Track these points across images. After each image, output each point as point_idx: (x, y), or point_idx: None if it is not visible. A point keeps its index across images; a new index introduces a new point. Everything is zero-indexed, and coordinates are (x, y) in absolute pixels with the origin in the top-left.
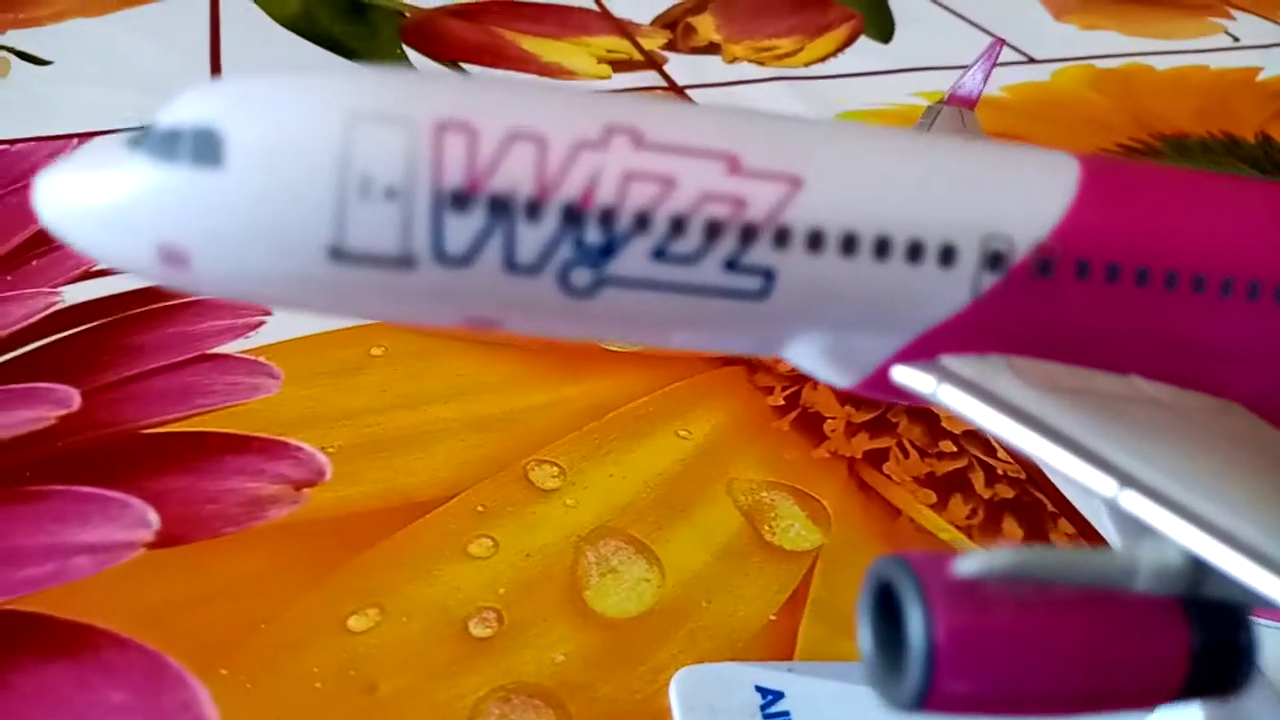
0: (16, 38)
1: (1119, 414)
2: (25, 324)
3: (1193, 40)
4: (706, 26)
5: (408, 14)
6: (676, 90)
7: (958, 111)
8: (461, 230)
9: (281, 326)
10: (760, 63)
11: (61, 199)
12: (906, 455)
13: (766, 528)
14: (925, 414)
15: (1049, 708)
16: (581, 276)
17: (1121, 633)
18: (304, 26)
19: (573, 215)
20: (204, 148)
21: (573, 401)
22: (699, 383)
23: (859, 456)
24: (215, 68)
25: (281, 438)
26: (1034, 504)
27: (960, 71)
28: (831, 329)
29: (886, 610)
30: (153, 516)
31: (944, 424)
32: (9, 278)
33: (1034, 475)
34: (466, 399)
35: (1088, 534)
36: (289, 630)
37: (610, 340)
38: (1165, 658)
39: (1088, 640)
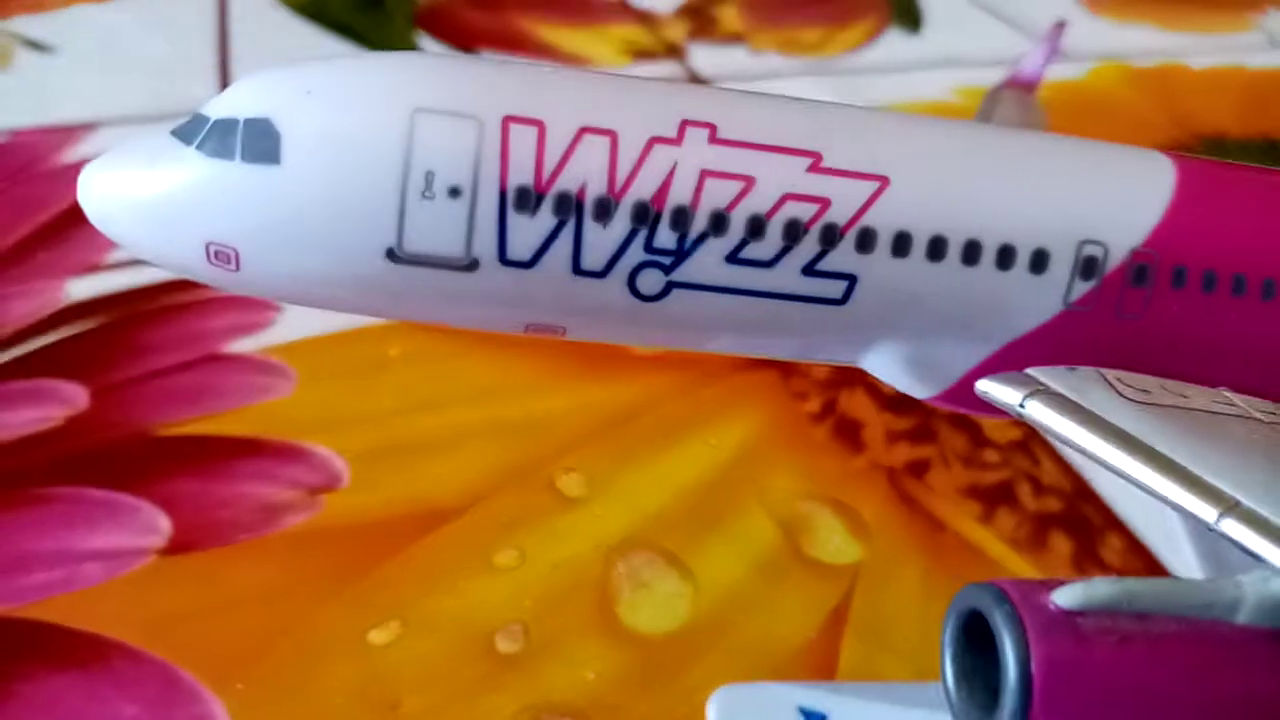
0: (21, 24)
1: (1217, 432)
2: (31, 320)
3: (1229, 35)
4: (730, 16)
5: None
6: (701, 84)
7: (1020, 96)
8: (527, 231)
9: (295, 325)
10: (787, 52)
11: (106, 193)
12: (949, 465)
13: (804, 540)
14: (967, 422)
15: None
16: (651, 280)
17: (1225, 668)
18: (315, 12)
19: (644, 215)
20: (258, 142)
21: (599, 405)
22: (731, 386)
23: (900, 466)
24: (223, 55)
25: (296, 441)
26: (1082, 518)
27: (994, 66)
28: (914, 337)
29: (971, 640)
30: (164, 522)
31: (987, 433)
32: (13, 272)
33: (1080, 489)
34: (489, 401)
35: (1137, 549)
36: (307, 643)
37: (676, 346)
38: (1271, 693)
39: (1190, 676)
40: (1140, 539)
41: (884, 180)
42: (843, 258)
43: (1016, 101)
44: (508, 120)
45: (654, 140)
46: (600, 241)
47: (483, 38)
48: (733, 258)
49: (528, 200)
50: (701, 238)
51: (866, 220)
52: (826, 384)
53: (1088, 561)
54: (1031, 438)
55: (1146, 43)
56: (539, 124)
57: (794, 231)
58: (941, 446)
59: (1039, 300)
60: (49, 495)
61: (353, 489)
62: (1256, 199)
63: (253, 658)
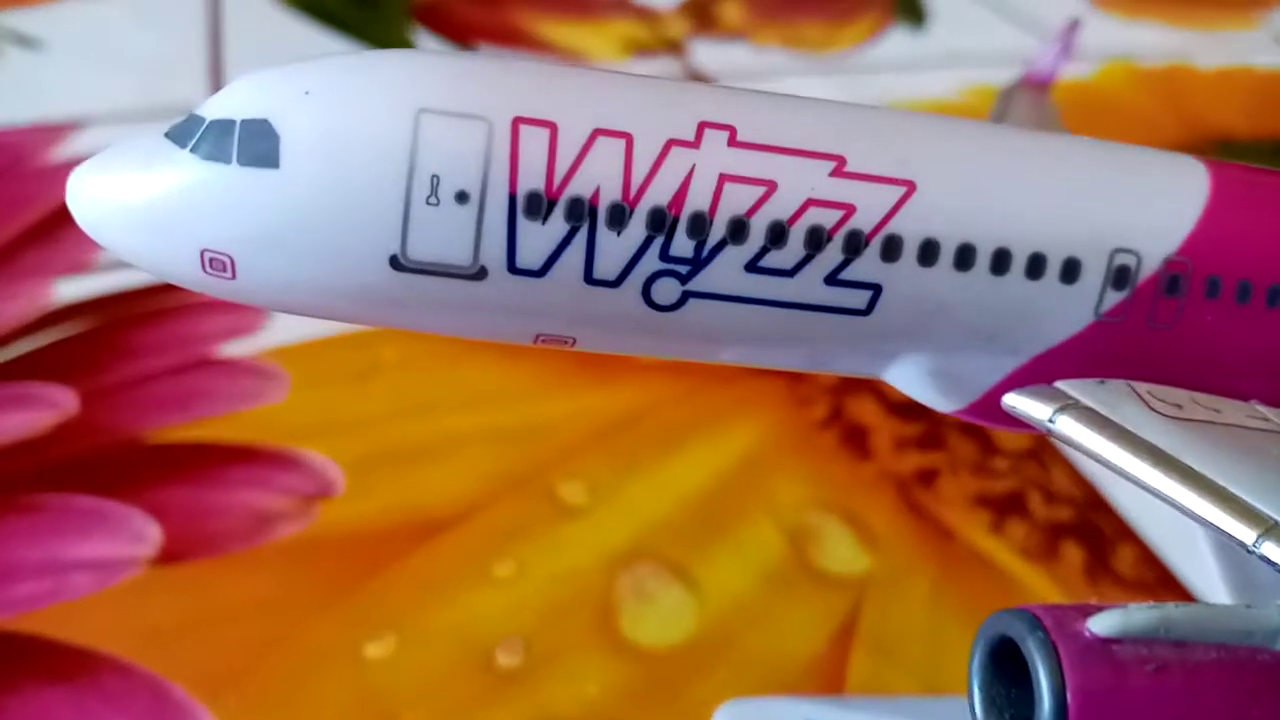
0: (8, 18)
1: (1251, 449)
2: (18, 323)
3: (1236, 34)
4: (731, 12)
5: None
6: (702, 81)
7: (1034, 96)
8: (538, 238)
9: (289, 328)
10: (790, 48)
11: (96, 198)
12: (958, 474)
13: (812, 550)
14: (976, 429)
15: None
16: (667, 290)
17: (1265, 696)
18: (309, 6)
19: (660, 222)
20: (256, 144)
21: (601, 410)
22: (736, 391)
23: (908, 474)
24: (215, 50)
25: (290, 447)
26: (1094, 528)
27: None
28: (939, 349)
29: (1001, 667)
30: (155, 531)
31: (996, 441)
32: (1, 273)
33: (1092, 498)
34: (487, 407)
35: (1149, 560)
36: (301, 656)
37: (690, 358)
38: None
39: (1230, 705)
40: (1153, 549)
41: (911, 185)
42: (867, 266)
43: (1031, 102)
44: (518, 121)
45: (671, 143)
46: (614, 249)
47: (480, 32)
48: (752, 266)
49: (538, 206)
50: (720, 245)
51: (892, 227)
52: (833, 389)
53: (1100, 572)
54: (1042, 446)
55: (1154, 42)
56: (551, 125)
57: (817, 239)
58: (951, 454)
59: (1069, 311)
60: (36, 503)
61: (348, 497)
62: None
63: (245, 671)
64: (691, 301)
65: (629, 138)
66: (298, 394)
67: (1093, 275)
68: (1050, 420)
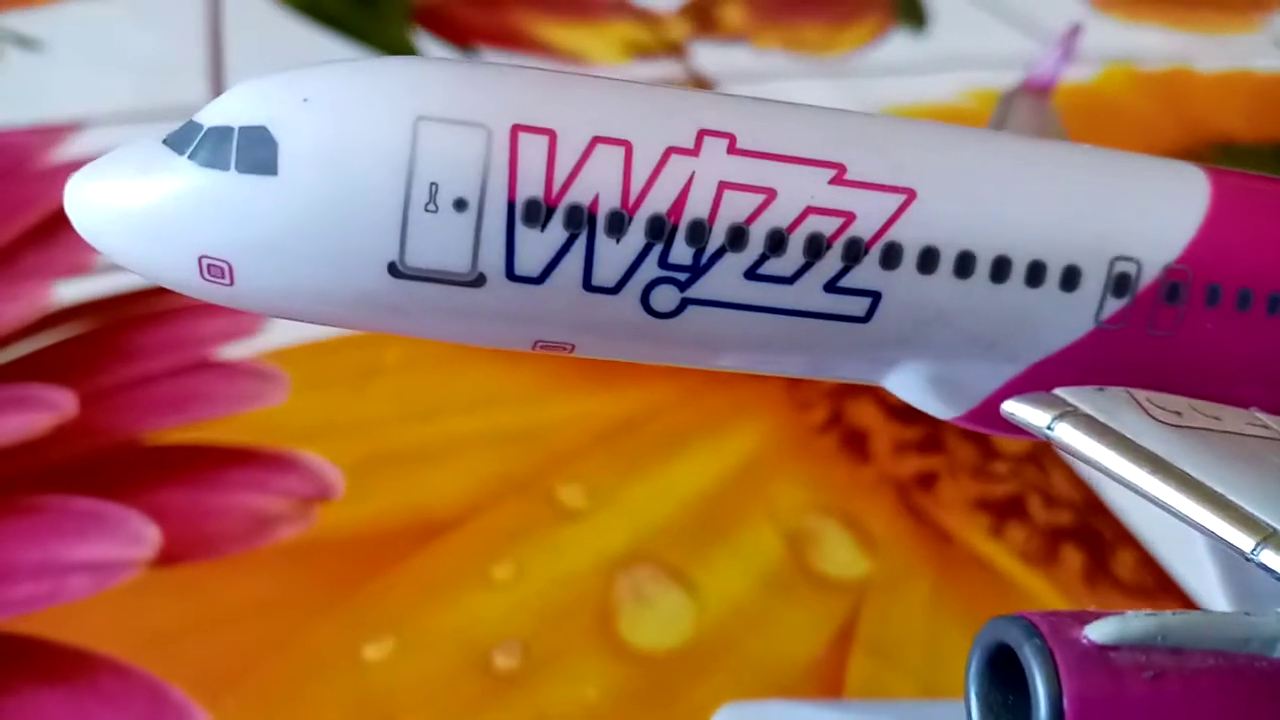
0: (8, 19)
1: (1250, 456)
2: (18, 324)
3: (1236, 37)
4: (732, 15)
5: None
6: (702, 84)
7: (1035, 101)
8: (537, 245)
9: (288, 330)
10: (790, 51)
11: (94, 204)
12: (957, 478)
13: (811, 554)
14: (975, 433)
15: None
16: (666, 297)
17: (1261, 705)
18: (310, 8)
19: (659, 229)
20: (254, 151)
21: (600, 413)
22: (736, 395)
23: (908, 478)
24: (215, 52)
25: (289, 449)
26: (1094, 532)
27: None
28: (939, 356)
29: (998, 674)
30: (153, 533)
31: (996, 445)
32: (1, 275)
33: (1091, 502)
34: (487, 409)
35: (1148, 564)
36: (300, 659)
37: (689, 364)
38: None
39: (1226, 713)
40: (1152, 553)
41: (911, 193)
42: (867, 274)
43: (1031, 107)
44: (517, 129)
45: (670, 150)
46: (613, 256)
47: (480, 34)
48: (752, 274)
49: (537, 213)
50: (719, 253)
51: (892, 235)
52: (833, 394)
53: (1099, 576)
54: (1041, 450)
55: (1154, 45)
56: (550, 133)
57: (816, 246)
58: (950, 458)
59: (1069, 318)
60: (35, 504)
61: (347, 500)
62: None
63: (243, 673)
64: (690, 309)
65: (628, 145)
66: (297, 396)
67: (1093, 283)
68: (1049, 427)
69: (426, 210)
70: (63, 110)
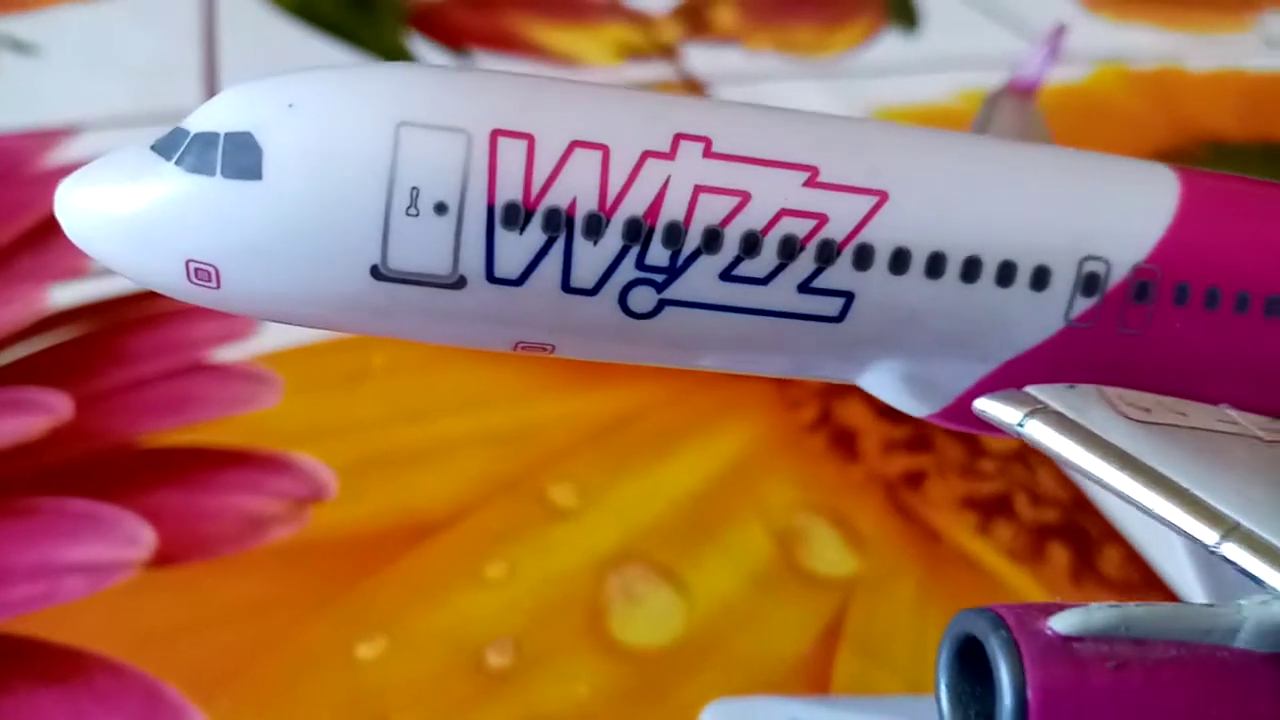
0: (3, 24)
1: (1217, 452)
2: (13, 328)
3: (1227, 36)
4: (724, 16)
5: None
6: (694, 86)
7: (1019, 102)
8: (516, 248)
9: (281, 333)
10: (782, 52)
11: (84, 209)
12: (945, 476)
13: (800, 552)
14: (964, 433)
15: None
16: (643, 298)
17: (1222, 693)
18: (304, 11)
19: (636, 231)
20: (239, 157)
21: (591, 413)
22: (726, 395)
23: (896, 477)
24: (210, 55)
25: (282, 451)
26: (1080, 529)
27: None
28: (912, 355)
29: (967, 665)
30: (148, 534)
31: (983, 444)
32: None
33: (1078, 500)
34: (478, 410)
35: (1134, 561)
36: (293, 658)
37: (668, 364)
38: (1267, 718)
39: (1188, 703)
40: (1139, 550)
41: (883, 195)
42: (840, 274)
43: (1015, 108)
44: (496, 134)
45: (647, 154)
46: (591, 258)
47: (474, 37)
48: (727, 275)
49: (516, 216)
50: (695, 255)
51: (864, 236)
52: (822, 393)
53: (1085, 573)
54: (1029, 449)
55: (1145, 44)
56: (529, 138)
57: (790, 248)
58: (938, 456)
59: (1040, 317)
60: (31, 506)
61: (340, 501)
62: (1261, 214)
63: (238, 672)
64: (667, 309)
65: (605, 149)
66: (290, 399)
67: (1062, 282)
68: (1020, 424)
69: (408, 214)
70: (58, 114)
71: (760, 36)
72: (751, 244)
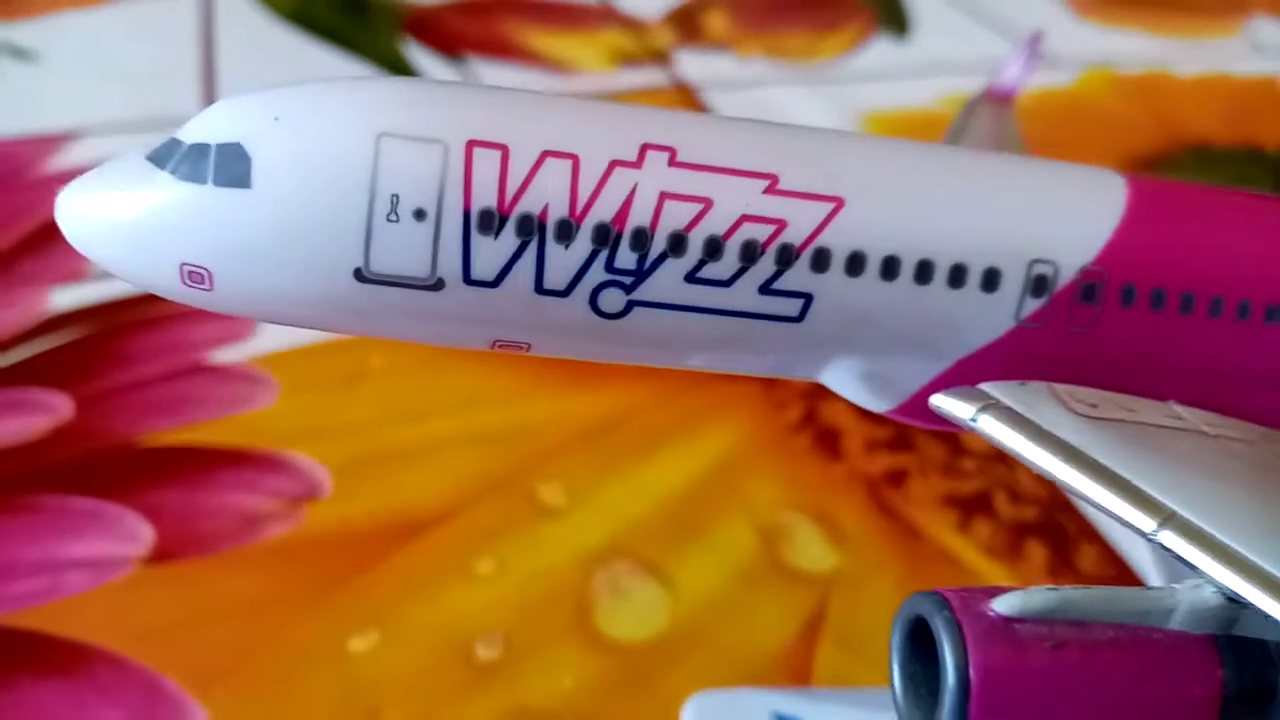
0: (2, 31)
1: (1161, 446)
2: (15, 330)
3: (1214, 40)
4: (717, 22)
5: None
6: (687, 91)
7: (995, 109)
8: (491, 252)
9: (278, 335)
10: (774, 58)
11: (83, 215)
12: (927, 475)
13: (783, 549)
14: (945, 432)
15: None
16: (613, 299)
17: (1156, 674)
18: (301, 18)
19: (605, 236)
20: (229, 167)
21: (580, 414)
22: (712, 396)
23: (878, 475)
24: (208, 62)
25: (278, 450)
26: (1058, 527)
27: (983, 74)
28: (869, 353)
29: (918, 646)
30: (147, 531)
31: (964, 443)
32: None
33: (1057, 499)
34: (469, 411)
35: (1111, 558)
36: (288, 652)
37: (640, 362)
38: (1199, 698)
39: (1123, 682)
40: (1114, 547)
41: (839, 201)
42: (798, 277)
43: (991, 115)
44: (471, 144)
45: (615, 163)
46: (562, 262)
47: (469, 43)
48: (691, 277)
49: (491, 222)
50: (661, 258)
51: (821, 240)
52: (807, 393)
53: (1063, 570)
54: None
55: (1133, 49)
56: (502, 148)
57: (751, 252)
58: (920, 456)
59: (990, 318)
60: (34, 504)
61: (334, 499)
62: (1207, 218)
63: (234, 666)
64: (636, 310)
65: (575, 159)
66: (286, 399)
67: (1012, 284)
68: (973, 419)
69: (388, 220)
70: (57, 120)
71: (752, 43)
72: (714, 248)
